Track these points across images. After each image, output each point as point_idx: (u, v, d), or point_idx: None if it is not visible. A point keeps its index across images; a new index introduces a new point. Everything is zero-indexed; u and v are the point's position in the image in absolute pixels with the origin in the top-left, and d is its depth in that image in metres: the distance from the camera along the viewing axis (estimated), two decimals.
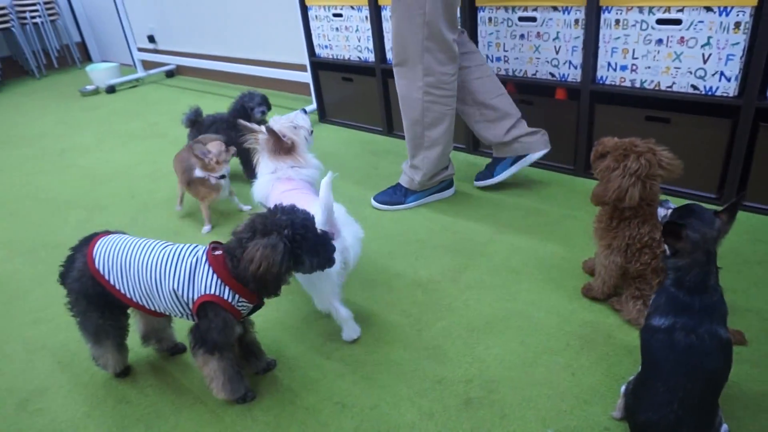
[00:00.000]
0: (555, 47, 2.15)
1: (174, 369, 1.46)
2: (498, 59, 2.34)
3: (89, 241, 1.30)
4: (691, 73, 1.87)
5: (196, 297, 1.20)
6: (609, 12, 1.96)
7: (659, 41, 1.89)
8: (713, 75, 1.83)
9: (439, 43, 1.86)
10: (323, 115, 3.27)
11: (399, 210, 2.16)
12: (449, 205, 2.16)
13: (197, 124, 2.42)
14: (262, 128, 1.73)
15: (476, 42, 2.37)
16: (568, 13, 2.06)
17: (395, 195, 2.19)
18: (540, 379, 1.30)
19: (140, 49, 4.86)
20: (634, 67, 1.99)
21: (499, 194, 2.19)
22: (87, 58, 6.01)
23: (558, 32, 2.12)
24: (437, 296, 1.64)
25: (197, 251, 1.24)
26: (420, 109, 1.96)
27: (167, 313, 1.28)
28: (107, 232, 1.34)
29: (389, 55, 2.71)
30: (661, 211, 1.17)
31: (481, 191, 2.23)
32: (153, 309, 1.27)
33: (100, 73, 4.63)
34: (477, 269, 1.74)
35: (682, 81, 1.91)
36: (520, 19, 2.20)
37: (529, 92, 2.32)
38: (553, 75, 2.21)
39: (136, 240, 1.30)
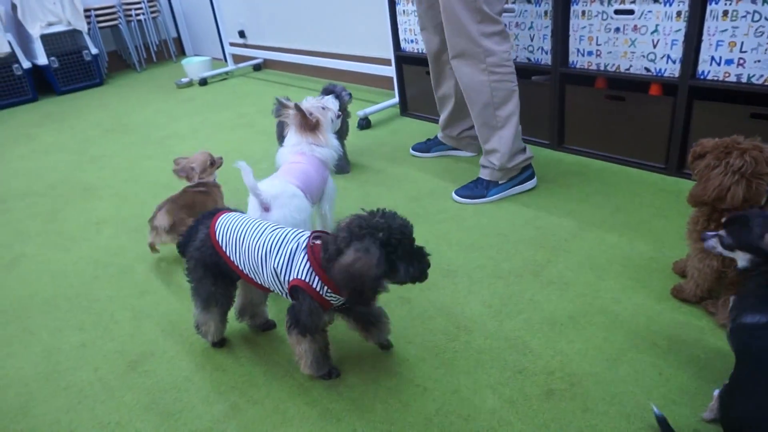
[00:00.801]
0: (653, 41, 2.07)
1: (266, 343, 1.56)
2: (590, 53, 2.29)
3: (212, 215, 1.42)
4: None
5: (290, 279, 1.28)
6: (716, 3, 1.87)
7: None
8: None
9: (493, 25, 1.94)
10: (405, 108, 3.32)
11: (481, 203, 2.17)
12: (532, 200, 2.14)
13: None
14: (293, 104, 1.86)
15: (567, 36, 2.32)
16: (670, 5, 1.98)
17: (476, 189, 2.21)
18: (624, 377, 1.28)
19: (231, 44, 5.12)
20: (742, 61, 1.88)
21: (584, 191, 2.15)
22: (182, 53, 6.39)
23: (657, 25, 2.04)
24: (519, 289, 1.64)
25: (300, 237, 1.31)
26: (488, 90, 2.02)
27: (271, 289, 1.37)
28: (228, 210, 1.46)
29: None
30: (710, 243, 1.19)
31: (567, 187, 2.19)
32: (259, 283, 1.36)
33: (194, 66, 4.92)
34: (560, 264, 1.73)
35: None
36: (616, 12, 2.13)
37: (621, 88, 2.25)
38: (648, 70, 2.13)
39: (252, 220, 1.40)
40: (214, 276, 1.41)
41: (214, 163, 2.16)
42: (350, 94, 2.48)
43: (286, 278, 1.28)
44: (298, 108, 1.84)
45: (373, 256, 1.12)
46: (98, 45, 5.35)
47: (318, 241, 1.27)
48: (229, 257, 1.35)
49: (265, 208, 1.59)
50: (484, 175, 2.20)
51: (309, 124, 1.88)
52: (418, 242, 1.31)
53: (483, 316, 1.55)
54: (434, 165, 2.58)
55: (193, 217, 1.82)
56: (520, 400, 1.26)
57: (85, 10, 5.18)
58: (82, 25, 5.06)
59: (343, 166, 2.60)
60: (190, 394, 1.41)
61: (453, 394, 1.30)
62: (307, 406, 1.33)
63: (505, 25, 2.03)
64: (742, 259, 1.18)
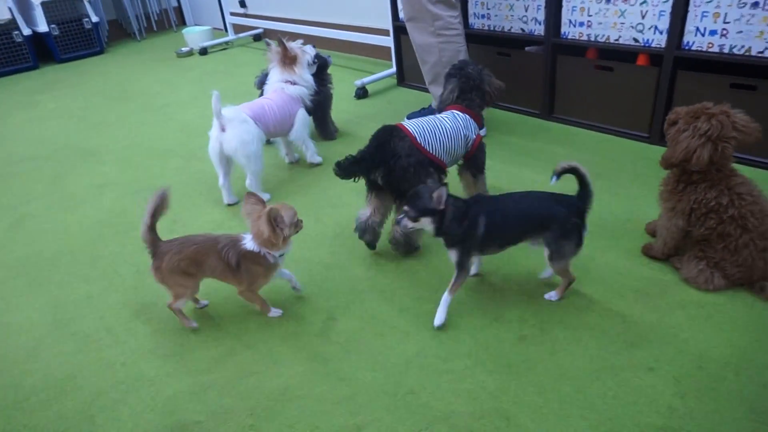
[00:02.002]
0: (641, 11, 2.13)
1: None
2: (581, 24, 2.34)
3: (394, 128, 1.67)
4: None
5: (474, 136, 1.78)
6: None
7: (755, 4, 1.84)
8: None
9: None
10: (402, 78, 3.37)
11: None
12: (518, 167, 2.22)
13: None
14: (275, 42, 2.29)
15: (560, 6, 2.37)
16: None
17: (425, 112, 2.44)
18: (591, 323, 1.38)
19: (232, 14, 5.13)
20: (725, 32, 1.94)
21: (568, 159, 2.21)
22: (182, 22, 6.39)
23: None
24: (503, 253, 1.73)
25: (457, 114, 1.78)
26: (437, 50, 2.27)
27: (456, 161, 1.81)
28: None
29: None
30: (403, 223, 1.40)
31: (553, 155, 2.27)
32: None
33: (194, 36, 4.95)
34: None
35: None
36: None
37: (610, 58, 2.30)
38: (636, 40, 2.19)
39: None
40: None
41: (298, 224, 1.50)
42: (329, 57, 2.66)
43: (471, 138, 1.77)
44: (281, 42, 2.25)
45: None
46: (99, 13, 5.36)
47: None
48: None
49: (222, 128, 2.06)
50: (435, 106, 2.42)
51: (288, 57, 2.28)
52: None
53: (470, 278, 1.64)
54: None
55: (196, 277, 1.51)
56: (494, 344, 1.36)
57: None
58: None
59: (330, 132, 2.69)
60: (191, 339, 1.52)
61: (433, 339, 1.41)
62: (297, 350, 1.43)
63: None
64: (427, 224, 1.37)
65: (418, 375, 1.30)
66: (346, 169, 1.60)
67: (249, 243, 1.45)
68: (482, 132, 2.41)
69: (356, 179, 1.65)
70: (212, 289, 1.68)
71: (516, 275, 1.60)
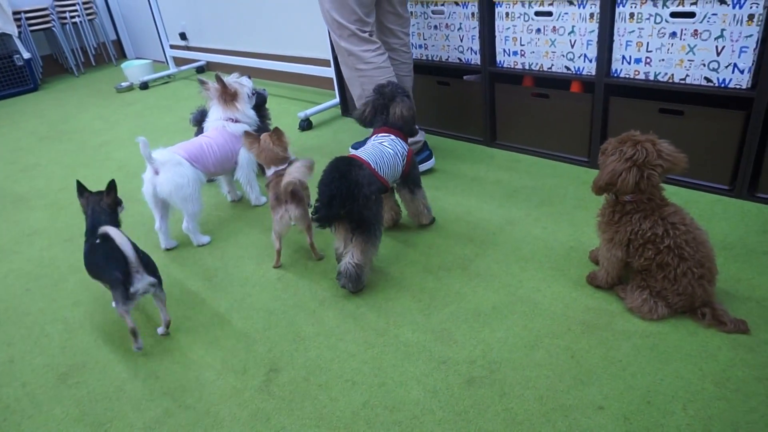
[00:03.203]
0: (570, 41, 2.18)
1: (199, 348, 1.57)
2: (515, 53, 2.38)
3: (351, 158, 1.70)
4: (704, 65, 1.89)
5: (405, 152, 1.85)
6: (623, 5, 1.98)
7: (673, 34, 1.91)
8: (726, 67, 1.84)
9: (346, 31, 2.19)
10: (346, 108, 3.36)
11: None
12: (464, 197, 2.21)
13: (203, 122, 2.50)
14: (213, 79, 2.24)
15: (493, 37, 2.41)
16: (584, 7, 2.09)
17: None
18: (540, 361, 1.36)
19: (172, 46, 5.03)
20: (648, 60, 2.00)
21: (513, 185, 2.24)
22: (122, 56, 6.23)
23: (573, 26, 2.15)
24: (447, 283, 1.71)
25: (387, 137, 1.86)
26: (358, 84, 2.29)
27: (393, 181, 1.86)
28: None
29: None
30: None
31: (497, 183, 2.28)
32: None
33: (134, 70, 4.82)
34: (487, 258, 1.81)
35: (695, 73, 1.92)
36: (536, 13, 2.23)
37: (545, 86, 2.35)
38: (568, 68, 2.24)
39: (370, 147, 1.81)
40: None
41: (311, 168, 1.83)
42: (265, 90, 2.59)
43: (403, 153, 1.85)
44: (219, 78, 2.20)
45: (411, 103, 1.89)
46: (31, 49, 5.16)
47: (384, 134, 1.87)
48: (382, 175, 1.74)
49: (156, 171, 1.99)
50: None
51: (228, 93, 2.23)
52: None
53: (412, 310, 1.61)
54: None
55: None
56: (443, 389, 1.32)
57: (15, 13, 4.99)
58: (11, 29, 4.87)
59: None
60: (122, 403, 1.41)
61: (380, 387, 1.35)
62: (238, 407, 1.35)
63: (370, 32, 2.21)
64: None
65: (365, 429, 1.24)
66: (327, 216, 1.59)
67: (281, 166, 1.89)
68: (431, 163, 2.47)
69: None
70: (148, 342, 1.59)
71: (462, 312, 1.57)
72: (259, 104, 2.47)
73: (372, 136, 1.91)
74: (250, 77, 2.38)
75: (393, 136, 1.86)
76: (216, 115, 2.25)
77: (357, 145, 2.76)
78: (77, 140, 3.59)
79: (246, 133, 1.92)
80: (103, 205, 1.73)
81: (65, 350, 1.64)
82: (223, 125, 2.22)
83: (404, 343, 1.49)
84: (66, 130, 3.85)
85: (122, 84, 4.75)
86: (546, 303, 1.56)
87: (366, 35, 2.21)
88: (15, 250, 2.27)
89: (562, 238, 1.86)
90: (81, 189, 1.76)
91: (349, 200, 1.58)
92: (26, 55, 4.98)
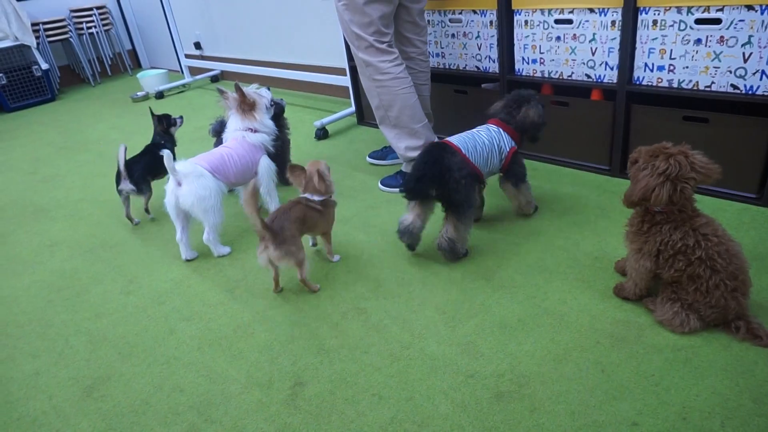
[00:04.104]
0: (591, 49, 2.16)
1: (221, 360, 1.57)
2: (534, 61, 2.37)
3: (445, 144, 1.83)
4: (731, 72, 1.86)
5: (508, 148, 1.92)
6: (646, 13, 1.96)
7: (698, 41, 1.89)
8: (754, 74, 1.82)
9: (364, 42, 2.19)
10: (362, 117, 3.36)
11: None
12: (485, 209, 2.19)
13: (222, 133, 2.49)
14: (233, 89, 2.22)
15: (512, 45, 2.40)
16: (605, 15, 2.07)
17: (398, 180, 2.43)
18: (570, 375, 1.34)
19: (187, 56, 5.07)
20: (672, 68, 1.98)
21: (534, 194, 2.21)
22: (137, 65, 6.30)
23: (594, 34, 2.13)
24: (471, 294, 1.69)
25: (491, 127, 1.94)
26: (376, 94, 2.28)
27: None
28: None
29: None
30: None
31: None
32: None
33: (149, 79, 4.86)
34: (510, 268, 1.79)
35: (721, 81, 1.89)
36: (557, 21, 2.22)
37: (564, 93, 2.33)
38: (589, 76, 2.22)
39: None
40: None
41: (328, 167, 1.91)
42: (282, 100, 2.59)
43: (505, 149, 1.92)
44: (238, 88, 2.18)
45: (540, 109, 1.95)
46: (48, 60, 5.23)
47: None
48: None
49: (178, 183, 2.00)
50: (404, 167, 2.46)
51: (247, 103, 2.22)
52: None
53: (437, 323, 1.59)
54: (390, 173, 2.62)
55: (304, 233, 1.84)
56: (471, 403, 1.30)
57: (33, 24, 5.06)
58: (30, 40, 4.94)
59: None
60: (148, 417, 1.41)
61: (407, 402, 1.34)
62: (264, 422, 1.34)
63: (389, 43, 2.21)
64: None
65: None
66: (414, 189, 1.77)
67: (316, 197, 1.85)
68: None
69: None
70: (170, 354, 1.58)
71: (488, 324, 1.56)
72: (278, 114, 2.47)
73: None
74: (269, 88, 2.38)
75: (496, 128, 1.91)
76: (235, 125, 2.25)
77: (374, 154, 2.75)
78: (94, 150, 3.62)
79: (291, 167, 1.87)
80: (159, 130, 2.63)
81: (90, 363, 1.64)
82: (243, 135, 2.22)
83: (430, 356, 1.47)
84: (83, 140, 3.89)
85: (138, 94, 4.79)
86: (573, 315, 1.54)
87: (384, 46, 2.21)
88: (37, 261, 2.29)
89: (586, 249, 1.83)
90: (153, 115, 2.62)
91: (441, 184, 1.74)
92: (44, 65, 5.04)
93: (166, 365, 1.58)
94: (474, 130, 1.92)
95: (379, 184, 2.48)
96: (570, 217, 2.03)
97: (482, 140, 1.87)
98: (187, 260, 2.12)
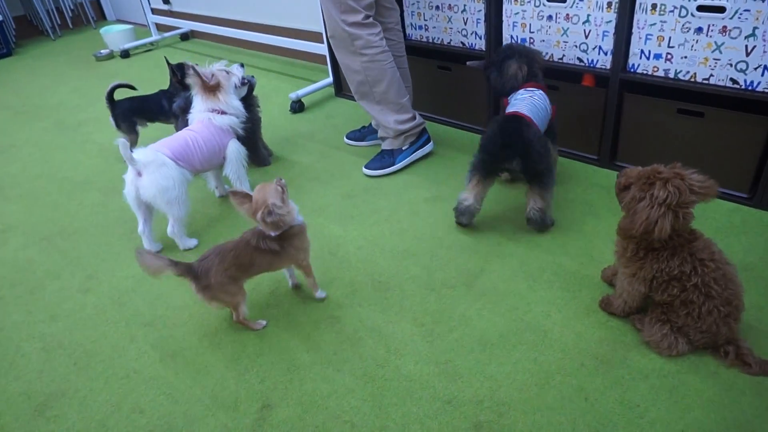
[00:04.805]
0: (584, 31, 2.02)
1: (185, 378, 1.47)
2: (523, 40, 2.21)
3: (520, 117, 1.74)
4: (731, 65, 1.74)
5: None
6: None
7: (699, 30, 1.75)
8: (756, 69, 1.70)
9: (355, 15, 2.05)
10: (339, 89, 3.17)
11: (393, 173, 2.31)
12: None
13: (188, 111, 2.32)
14: (191, 67, 2.05)
15: (501, 21, 2.23)
16: None
17: (384, 159, 2.32)
18: (552, 403, 1.27)
19: (154, 11, 4.73)
20: (669, 57, 1.85)
21: (517, 187, 2.11)
22: (102, 17, 5.89)
23: (588, 15, 1.98)
24: (451, 303, 1.61)
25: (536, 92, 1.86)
26: (362, 70, 2.14)
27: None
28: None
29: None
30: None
31: (499, 182, 2.15)
32: None
33: (114, 36, 4.54)
34: (493, 273, 1.70)
35: (720, 74, 1.77)
36: None
37: (554, 77, 2.19)
38: (581, 60, 2.08)
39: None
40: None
41: (282, 187, 1.51)
42: (254, 77, 2.36)
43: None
44: (194, 70, 2.01)
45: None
46: (2, 10, 4.84)
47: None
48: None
49: (138, 173, 1.84)
50: (386, 145, 2.34)
51: (210, 87, 2.03)
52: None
53: (414, 336, 1.51)
54: (370, 155, 2.48)
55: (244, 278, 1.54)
56: None
57: None
58: None
59: (263, 157, 2.48)
60: None
61: (381, 431, 1.26)
62: None
63: (374, 15, 2.12)
64: None
65: None
66: (492, 166, 1.76)
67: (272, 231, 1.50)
68: (425, 149, 2.38)
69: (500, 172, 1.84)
70: (130, 368, 1.48)
71: (468, 339, 1.48)
72: (247, 92, 2.29)
73: (519, 89, 1.89)
74: (242, 65, 2.19)
75: (540, 92, 1.87)
76: (200, 106, 2.07)
77: (352, 135, 2.60)
78: (54, 118, 3.38)
79: (233, 192, 1.50)
80: (174, 81, 2.48)
81: (42, 375, 1.53)
82: (209, 117, 2.05)
83: (406, 376, 1.39)
84: (42, 105, 3.63)
85: (102, 52, 4.48)
86: (556, 332, 1.47)
87: (371, 19, 2.08)
88: None
89: (572, 251, 1.75)
90: (168, 64, 2.49)
91: (525, 156, 1.70)
92: None
93: (126, 380, 1.48)
94: (527, 96, 1.84)
95: (364, 169, 2.33)
96: (555, 215, 1.93)
97: (540, 106, 1.82)
98: None
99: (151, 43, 4.67)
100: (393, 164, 2.31)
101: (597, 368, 1.35)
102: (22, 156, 2.91)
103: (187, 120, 2.16)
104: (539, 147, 1.72)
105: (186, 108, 2.29)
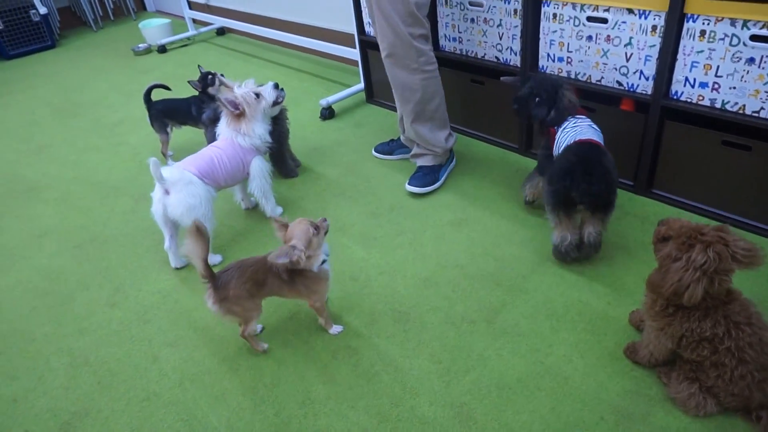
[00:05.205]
0: (626, 54, 1.92)
1: (203, 404, 1.49)
2: (560, 59, 2.13)
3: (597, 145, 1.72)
4: None
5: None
6: (694, 21, 1.71)
7: (750, 60, 1.65)
8: None
9: (420, 28, 1.99)
10: (371, 95, 3.14)
11: (436, 191, 2.27)
12: (494, 225, 2.04)
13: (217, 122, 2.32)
14: (229, 88, 2.03)
15: (537, 39, 2.15)
16: (646, 18, 1.81)
17: (427, 177, 2.27)
18: None
19: (191, 5, 4.76)
20: (716, 86, 1.75)
21: (541, 212, 2.04)
22: (142, 8, 5.98)
23: (631, 38, 1.88)
24: (470, 340, 1.58)
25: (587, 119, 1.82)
26: (420, 88, 2.08)
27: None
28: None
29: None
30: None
31: (528, 206, 2.09)
32: None
33: (152, 31, 4.60)
34: (515, 309, 1.66)
35: None
36: (589, 18, 1.96)
37: (592, 99, 2.10)
38: (620, 84, 1.99)
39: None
40: None
41: (318, 230, 1.49)
42: (283, 90, 2.19)
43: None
44: (220, 100, 1.98)
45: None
46: (47, 2, 4.95)
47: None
48: None
49: (166, 191, 1.86)
50: (427, 161, 2.29)
51: (234, 114, 2.01)
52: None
53: (431, 375, 1.49)
54: (397, 170, 2.45)
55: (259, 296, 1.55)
56: None
57: None
58: None
59: (290, 169, 2.47)
60: None
61: None
62: None
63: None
64: None
65: None
66: (580, 183, 1.63)
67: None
68: (452, 164, 2.41)
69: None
70: (151, 390, 1.51)
71: (485, 381, 1.45)
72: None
73: (572, 117, 1.82)
74: (277, 86, 2.10)
75: (588, 119, 1.83)
76: (225, 126, 2.06)
77: (380, 148, 2.57)
78: (91, 116, 3.46)
79: (276, 221, 1.50)
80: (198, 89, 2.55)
81: (68, 391, 1.58)
82: (232, 137, 2.04)
83: (420, 418, 1.38)
84: (81, 101, 3.72)
85: (140, 46, 4.55)
86: (577, 379, 1.42)
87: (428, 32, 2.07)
88: (24, 255, 2.20)
89: (599, 288, 1.69)
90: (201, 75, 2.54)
91: (604, 186, 1.64)
92: (42, 10, 4.78)
93: (146, 402, 1.52)
94: (585, 123, 1.79)
95: (409, 186, 2.25)
96: None
97: (600, 133, 1.79)
98: (176, 268, 2.02)
99: (188, 38, 4.71)
100: (437, 180, 2.28)
101: (617, 423, 1.30)
102: (59, 155, 2.99)
103: (215, 132, 2.17)
104: (615, 175, 1.68)
105: (215, 119, 2.30)
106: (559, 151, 1.77)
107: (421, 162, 2.31)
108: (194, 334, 1.72)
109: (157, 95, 2.63)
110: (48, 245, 2.25)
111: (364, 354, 1.58)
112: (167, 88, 2.67)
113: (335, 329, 1.66)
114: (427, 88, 2.09)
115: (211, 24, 4.74)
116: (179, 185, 1.86)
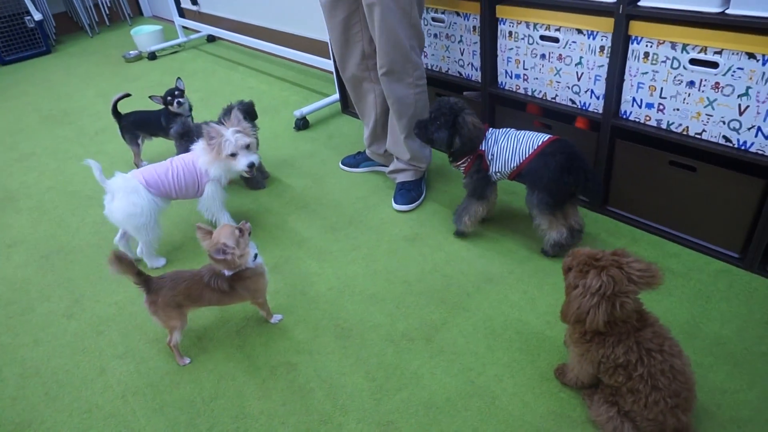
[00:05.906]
0: (577, 73, 1.93)
1: (141, 418, 1.53)
2: (517, 76, 2.14)
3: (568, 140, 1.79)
4: (724, 123, 1.64)
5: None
6: (638, 43, 1.72)
7: (691, 83, 1.65)
8: (749, 129, 1.60)
9: (419, 38, 2.00)
10: (346, 105, 3.17)
11: (418, 206, 2.27)
12: (447, 241, 2.05)
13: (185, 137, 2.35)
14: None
15: (495, 55, 2.17)
16: (593, 38, 1.83)
17: (412, 193, 2.26)
18: None
19: (184, 13, 4.82)
20: (661, 107, 1.76)
21: (500, 230, 2.06)
22: (138, 13, 6.05)
23: (581, 57, 1.89)
24: (407, 358, 1.60)
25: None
26: (414, 102, 2.08)
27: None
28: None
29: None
30: None
31: (483, 226, 2.10)
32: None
33: (143, 38, 4.66)
34: (455, 328, 1.68)
35: (713, 130, 1.67)
36: (542, 37, 1.97)
37: (548, 116, 2.12)
38: (573, 102, 2.00)
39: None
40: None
41: (242, 232, 1.57)
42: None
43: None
44: (206, 128, 1.96)
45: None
46: (42, 8, 5.04)
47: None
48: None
49: (112, 196, 1.94)
50: (409, 177, 2.27)
51: (211, 149, 1.99)
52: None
53: (363, 392, 1.51)
54: (362, 183, 2.48)
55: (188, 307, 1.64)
56: None
57: None
58: None
59: (257, 181, 2.51)
60: None
61: None
62: None
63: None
64: None
65: None
66: (576, 177, 1.73)
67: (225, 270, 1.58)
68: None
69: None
70: (93, 402, 1.54)
71: (414, 400, 1.47)
72: (250, 116, 2.37)
73: (488, 134, 1.88)
74: (252, 166, 2.01)
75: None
76: (197, 147, 2.06)
77: (347, 161, 2.60)
78: (76, 124, 3.51)
79: (198, 227, 1.56)
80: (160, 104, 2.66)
81: (16, 403, 1.62)
82: (196, 156, 2.05)
83: None
84: (68, 109, 3.78)
85: (131, 53, 4.61)
86: (505, 399, 1.44)
87: None
88: None
89: (540, 308, 1.71)
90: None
91: (594, 174, 1.77)
92: (37, 16, 4.86)
93: (87, 414, 1.55)
94: (514, 130, 1.87)
95: (396, 206, 2.24)
96: (532, 264, 1.88)
97: None
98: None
99: (179, 45, 4.77)
100: (421, 194, 2.29)
101: None
102: (40, 164, 3.05)
103: (187, 145, 2.20)
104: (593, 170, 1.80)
105: (183, 133, 2.34)
106: (526, 161, 1.79)
107: (402, 178, 2.29)
108: (144, 347, 1.76)
109: (130, 105, 2.67)
110: (16, 256, 2.30)
111: (301, 370, 1.60)
112: (128, 95, 2.75)
113: (276, 318, 1.77)
114: (419, 102, 2.09)
115: (199, 32, 4.80)
116: (122, 192, 1.94)
